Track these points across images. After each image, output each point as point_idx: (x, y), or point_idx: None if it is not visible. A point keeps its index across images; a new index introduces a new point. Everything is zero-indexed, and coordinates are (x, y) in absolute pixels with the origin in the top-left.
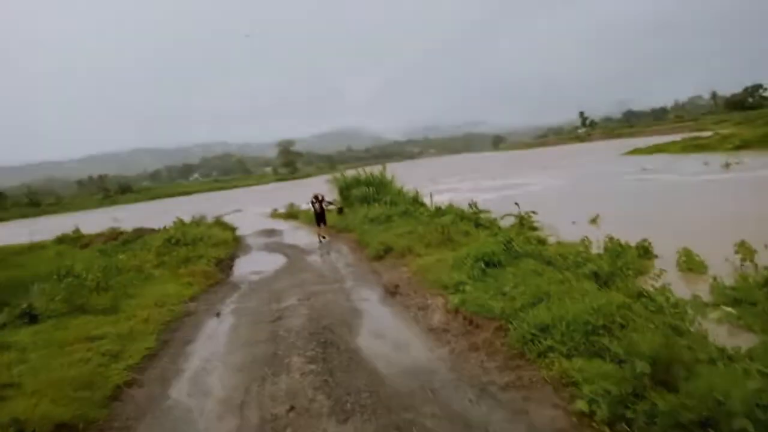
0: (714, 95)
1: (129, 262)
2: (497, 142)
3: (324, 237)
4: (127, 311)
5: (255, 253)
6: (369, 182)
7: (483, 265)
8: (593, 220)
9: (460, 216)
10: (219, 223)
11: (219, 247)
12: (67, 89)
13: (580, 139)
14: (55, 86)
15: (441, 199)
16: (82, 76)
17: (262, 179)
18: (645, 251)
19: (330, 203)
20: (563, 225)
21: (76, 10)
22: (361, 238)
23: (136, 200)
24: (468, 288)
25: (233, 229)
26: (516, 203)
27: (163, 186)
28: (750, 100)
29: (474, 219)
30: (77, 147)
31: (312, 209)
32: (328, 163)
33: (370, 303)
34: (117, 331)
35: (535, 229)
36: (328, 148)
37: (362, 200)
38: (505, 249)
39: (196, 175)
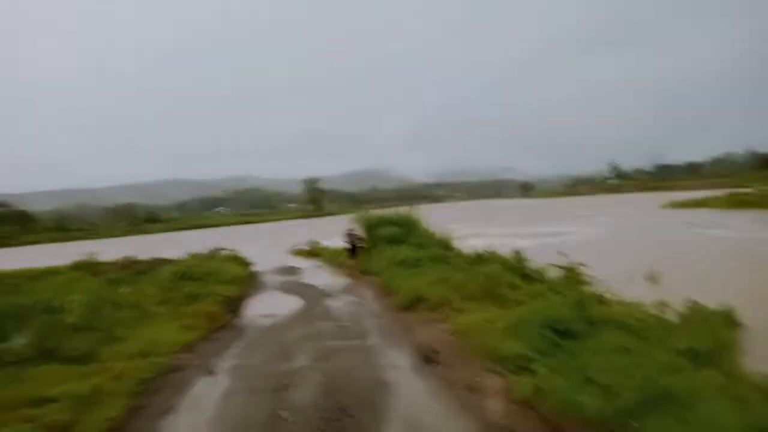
0: (751, 152)
1: (130, 296)
2: (526, 189)
3: (355, 270)
4: (104, 360)
5: (270, 293)
6: (396, 222)
7: (552, 334)
8: (651, 277)
9: (503, 264)
10: (235, 257)
11: (231, 284)
12: (105, 121)
13: (612, 190)
14: (94, 117)
15: (472, 244)
16: (120, 110)
17: (286, 215)
18: (729, 320)
19: (359, 240)
20: (616, 280)
21: (111, 42)
22: (388, 283)
23: (162, 230)
24: (539, 369)
25: (249, 265)
26: (562, 253)
27: (189, 217)
28: None
29: (519, 269)
30: (112, 176)
31: (347, 243)
32: (352, 201)
33: (402, 373)
34: (79, 390)
35: (584, 283)
36: (353, 188)
37: (388, 241)
38: (578, 312)
39: (220, 208)
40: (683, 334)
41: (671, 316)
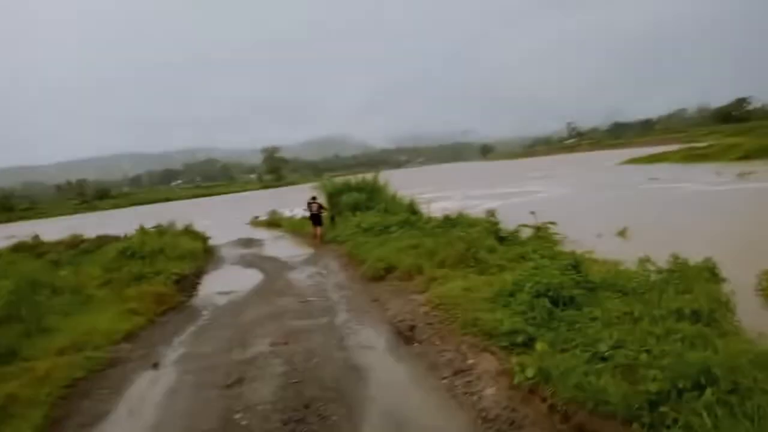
0: (702, 108)
1: (69, 279)
2: (486, 152)
3: (318, 239)
4: (28, 358)
5: (228, 268)
6: (360, 188)
7: (549, 303)
8: (621, 233)
9: (477, 227)
10: (188, 231)
11: (185, 260)
12: (45, 93)
13: (569, 149)
14: (33, 90)
15: (440, 207)
16: (62, 80)
17: (246, 186)
18: (711, 274)
19: (322, 208)
20: (587, 238)
21: (56, 12)
22: (354, 252)
23: (115, 206)
24: (540, 345)
25: (205, 239)
26: (532, 212)
27: (143, 191)
28: (734, 113)
29: (494, 231)
30: (57, 152)
31: (309, 211)
32: (314, 170)
33: (377, 355)
34: None
35: (556, 243)
36: (314, 156)
37: (353, 207)
38: (574, 277)
39: (178, 181)
40: (679, 294)
41: (655, 274)
